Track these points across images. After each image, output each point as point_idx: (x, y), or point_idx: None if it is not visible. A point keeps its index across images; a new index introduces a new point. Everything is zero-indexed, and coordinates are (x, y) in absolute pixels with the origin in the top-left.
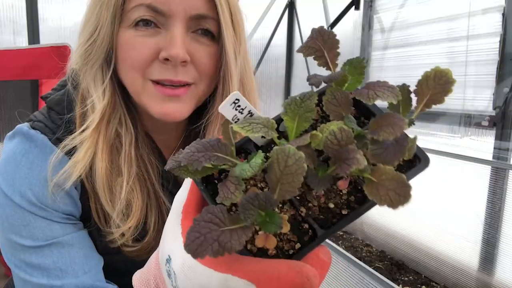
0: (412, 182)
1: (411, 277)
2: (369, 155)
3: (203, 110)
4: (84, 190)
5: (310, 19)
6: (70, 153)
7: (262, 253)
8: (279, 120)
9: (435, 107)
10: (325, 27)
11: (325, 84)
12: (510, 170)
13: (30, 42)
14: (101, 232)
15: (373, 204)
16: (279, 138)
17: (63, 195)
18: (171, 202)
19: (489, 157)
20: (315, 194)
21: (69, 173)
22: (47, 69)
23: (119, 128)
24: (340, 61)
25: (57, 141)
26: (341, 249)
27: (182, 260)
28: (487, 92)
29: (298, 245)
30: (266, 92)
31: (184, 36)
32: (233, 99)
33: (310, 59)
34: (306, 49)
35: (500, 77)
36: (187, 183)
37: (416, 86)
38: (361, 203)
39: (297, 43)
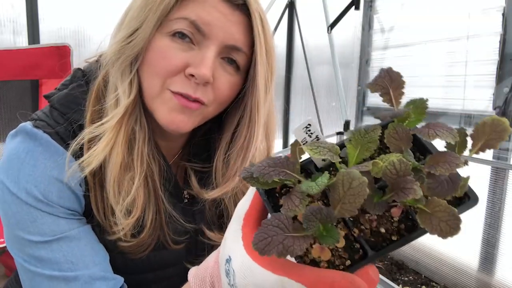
0: None
1: (411, 277)
2: (424, 188)
3: (206, 122)
4: (87, 186)
5: (310, 19)
6: (79, 152)
7: (314, 264)
8: (341, 146)
9: (435, 107)
10: (325, 27)
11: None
12: (510, 170)
13: (30, 42)
14: (101, 230)
15: (422, 233)
16: (340, 163)
17: (68, 192)
18: (170, 202)
19: (489, 157)
20: (368, 218)
21: (89, 162)
22: (47, 69)
23: (134, 126)
24: (341, 63)
25: (59, 139)
26: None
27: (242, 261)
28: (487, 92)
29: (348, 262)
30: None
31: (214, 59)
32: (306, 123)
33: (310, 59)
34: (375, 87)
35: (500, 77)
36: (250, 193)
37: (473, 131)
38: (410, 231)
39: (297, 43)
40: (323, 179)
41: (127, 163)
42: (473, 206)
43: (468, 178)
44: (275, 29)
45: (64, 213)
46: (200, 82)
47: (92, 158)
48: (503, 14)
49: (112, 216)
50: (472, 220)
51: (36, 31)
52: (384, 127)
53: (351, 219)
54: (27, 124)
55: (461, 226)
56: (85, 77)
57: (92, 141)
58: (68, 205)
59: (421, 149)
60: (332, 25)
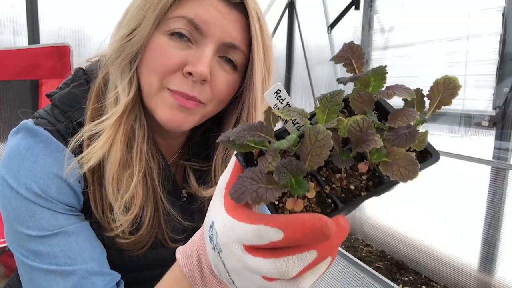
0: (420, 176)
1: (411, 277)
2: (385, 142)
3: (205, 121)
4: (86, 183)
5: (310, 19)
6: (79, 149)
7: None
8: (312, 115)
9: None
10: (325, 27)
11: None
12: (510, 170)
13: (30, 42)
14: (99, 228)
15: (388, 186)
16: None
17: (67, 188)
18: (168, 200)
19: (489, 157)
20: (338, 177)
21: (88, 159)
22: (47, 69)
23: (134, 124)
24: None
25: (59, 136)
26: (341, 249)
27: (224, 222)
28: (487, 92)
29: None
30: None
31: (212, 57)
32: (275, 89)
33: (310, 59)
34: (338, 58)
35: (500, 77)
36: (230, 165)
37: (429, 90)
38: (378, 186)
39: (297, 43)
40: (293, 135)
41: (126, 161)
42: (435, 162)
43: (426, 132)
44: (275, 29)
45: (63, 208)
46: (198, 79)
47: (91, 155)
48: (503, 14)
49: (110, 213)
50: (472, 220)
51: (36, 31)
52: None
53: (323, 179)
54: (28, 122)
55: (418, 170)
56: (86, 76)
57: (92, 138)
58: (67, 201)
59: (384, 114)
60: (332, 25)
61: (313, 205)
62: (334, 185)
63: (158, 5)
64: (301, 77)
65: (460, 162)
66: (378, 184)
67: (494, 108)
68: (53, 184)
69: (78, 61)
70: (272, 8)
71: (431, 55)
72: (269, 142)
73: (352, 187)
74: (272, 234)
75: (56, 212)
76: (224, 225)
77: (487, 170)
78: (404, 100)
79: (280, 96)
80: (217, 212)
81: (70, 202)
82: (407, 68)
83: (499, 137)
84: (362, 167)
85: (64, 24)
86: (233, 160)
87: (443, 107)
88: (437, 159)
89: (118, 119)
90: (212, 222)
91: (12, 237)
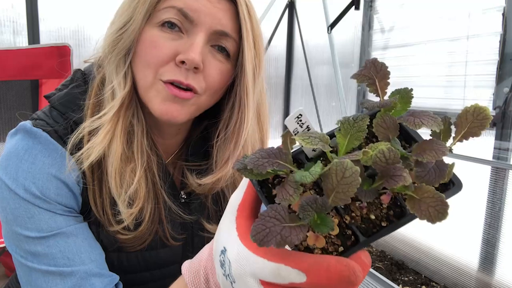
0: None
1: (411, 277)
2: (413, 176)
3: (203, 121)
4: (85, 184)
5: (310, 19)
6: (78, 146)
7: (308, 252)
8: (331, 136)
9: (435, 107)
10: (325, 27)
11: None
12: (510, 170)
13: (30, 42)
14: (98, 228)
15: (411, 219)
16: (330, 152)
17: (65, 190)
18: (169, 196)
19: (489, 157)
20: (358, 205)
21: (88, 154)
22: (47, 69)
23: (132, 119)
24: (341, 63)
25: (58, 138)
26: None
27: (237, 251)
28: (487, 92)
29: (341, 248)
30: (266, 92)
31: (203, 45)
32: (297, 114)
33: (310, 60)
34: (360, 77)
35: (500, 77)
36: (243, 185)
37: (456, 118)
38: (399, 217)
39: (297, 43)
40: (316, 169)
41: (127, 155)
42: (458, 192)
43: (453, 164)
44: (275, 29)
45: (61, 210)
46: (190, 67)
47: (91, 150)
48: (503, 14)
49: (112, 208)
50: (472, 220)
51: (36, 31)
52: (371, 116)
53: (342, 207)
54: (27, 123)
55: (448, 211)
56: (84, 77)
57: (91, 134)
58: (66, 202)
59: (406, 137)
60: (332, 25)
61: (333, 237)
62: (353, 214)
63: None
64: (301, 77)
65: (460, 162)
66: (400, 214)
67: (494, 108)
68: (51, 186)
69: (78, 61)
70: (272, 8)
71: (431, 55)
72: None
73: (373, 217)
74: (293, 276)
75: (55, 214)
76: (238, 255)
77: (487, 170)
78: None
79: (300, 121)
80: (230, 237)
81: (68, 204)
82: (407, 68)
83: (499, 137)
84: (386, 199)
85: (64, 24)
86: (245, 179)
87: (443, 109)
88: (459, 189)
89: (116, 113)
90: (224, 248)
91: (11, 238)
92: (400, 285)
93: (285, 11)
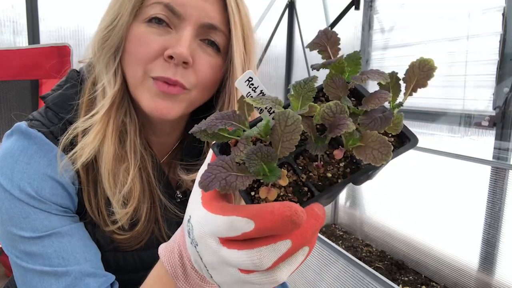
0: (410, 176)
1: (411, 277)
2: (360, 127)
3: (198, 115)
4: (80, 184)
5: (310, 19)
6: (71, 145)
7: None
8: (287, 105)
9: (435, 107)
10: (325, 27)
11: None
12: (510, 170)
13: (30, 42)
14: (94, 228)
15: (363, 172)
16: None
17: (61, 190)
18: (162, 194)
19: (489, 157)
20: (315, 165)
21: (79, 155)
22: (47, 69)
23: (124, 118)
24: None
25: (53, 138)
26: (341, 249)
27: (198, 214)
28: (487, 92)
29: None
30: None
31: (191, 39)
32: (247, 76)
33: (310, 60)
34: (313, 45)
35: (500, 77)
36: (208, 159)
37: (405, 74)
38: (355, 173)
39: (297, 43)
40: (263, 122)
41: (120, 155)
42: (413, 146)
43: (401, 115)
44: (275, 29)
45: (57, 210)
46: (179, 62)
47: (82, 151)
48: (503, 14)
49: (107, 208)
50: (472, 220)
51: (36, 31)
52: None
53: (300, 167)
54: (22, 124)
55: (391, 152)
56: (79, 77)
57: (84, 134)
58: (61, 202)
59: (361, 100)
60: (332, 25)
61: (290, 194)
62: (311, 174)
63: None
64: (301, 77)
65: (460, 162)
66: (356, 170)
67: (494, 108)
68: (47, 186)
69: (78, 60)
70: (272, 8)
71: (431, 55)
72: (243, 131)
73: (329, 175)
74: (243, 224)
75: (50, 213)
76: (199, 218)
77: (487, 170)
78: (379, 84)
79: (252, 84)
80: (194, 205)
81: (64, 203)
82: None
83: (499, 137)
84: (338, 153)
85: (64, 24)
86: (210, 153)
87: (443, 109)
88: (415, 143)
89: (106, 112)
90: (190, 216)
91: (6, 239)
92: (400, 285)
93: (285, 11)
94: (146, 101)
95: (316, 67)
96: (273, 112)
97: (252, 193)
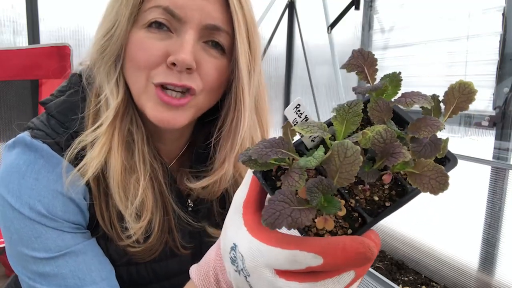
0: None
1: (411, 277)
2: (410, 152)
3: (205, 119)
4: (91, 198)
5: (310, 19)
6: (77, 159)
7: (317, 236)
8: (328, 124)
9: None
10: (325, 27)
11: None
12: (510, 170)
13: (30, 42)
14: (107, 242)
15: (412, 196)
16: (329, 139)
17: (72, 206)
18: (175, 204)
19: (489, 157)
20: (361, 188)
21: (85, 170)
22: (47, 69)
23: (130, 127)
24: (341, 62)
25: (59, 150)
26: None
27: (249, 244)
28: (487, 92)
29: (350, 231)
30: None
31: (194, 43)
32: (295, 104)
33: (310, 60)
34: (349, 66)
35: (500, 77)
36: (247, 181)
37: (444, 96)
38: (401, 196)
39: (297, 43)
40: (319, 152)
41: (129, 166)
42: (453, 167)
43: (447, 139)
44: (275, 29)
45: (69, 227)
46: (182, 69)
47: (88, 166)
48: (503, 14)
49: (120, 222)
50: (472, 220)
51: (36, 31)
52: (364, 102)
53: (346, 191)
54: (25, 135)
55: (448, 182)
56: (81, 82)
57: (89, 147)
58: (73, 219)
59: (399, 121)
60: (332, 25)
61: (340, 221)
62: (357, 197)
63: (130, 0)
64: (301, 77)
65: (460, 162)
66: (402, 193)
67: (494, 108)
68: (58, 203)
69: (78, 61)
70: (272, 8)
71: (431, 55)
72: (288, 158)
73: (376, 198)
74: (309, 259)
75: (63, 232)
76: (250, 248)
77: (487, 170)
78: (422, 107)
79: (299, 111)
80: (239, 233)
81: (76, 220)
82: (407, 68)
83: (499, 137)
84: (387, 178)
85: (64, 24)
86: (248, 176)
87: (441, 104)
88: (455, 163)
89: (111, 124)
90: (234, 244)
91: (17, 259)
92: (400, 285)
93: (285, 11)
94: (151, 111)
95: (362, 92)
96: (315, 136)
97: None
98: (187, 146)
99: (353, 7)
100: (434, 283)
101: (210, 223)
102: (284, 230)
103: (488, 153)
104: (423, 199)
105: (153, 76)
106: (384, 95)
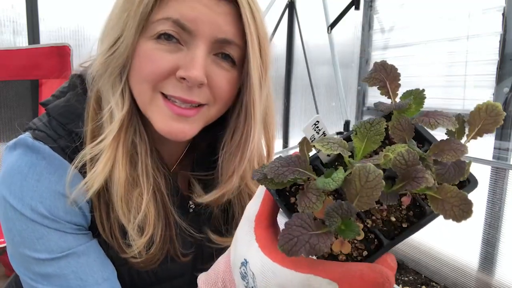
0: None
1: (411, 277)
2: (433, 175)
3: (211, 125)
4: (92, 205)
5: (310, 19)
6: (81, 172)
7: (332, 258)
8: (346, 139)
9: (435, 107)
10: (325, 27)
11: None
12: (510, 170)
13: (30, 42)
14: (108, 247)
15: (432, 218)
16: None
17: (74, 207)
18: (178, 213)
19: (489, 157)
20: (378, 208)
21: (90, 185)
22: (47, 69)
23: (134, 138)
24: (341, 63)
25: (62, 152)
26: None
27: (261, 263)
28: (487, 92)
29: (365, 253)
30: None
31: (205, 58)
32: (314, 120)
33: (310, 60)
34: (371, 80)
35: (500, 77)
36: (259, 195)
37: (470, 117)
38: (419, 217)
39: (297, 43)
40: (339, 175)
41: (132, 180)
42: (474, 188)
43: (470, 162)
44: (275, 29)
45: (71, 228)
46: (193, 85)
47: (92, 181)
48: (503, 14)
49: (122, 237)
50: (472, 220)
51: (36, 31)
52: (386, 118)
53: (363, 211)
54: (27, 136)
55: (472, 209)
56: (82, 84)
57: (93, 161)
58: (75, 220)
59: (418, 138)
60: (332, 25)
61: (356, 242)
62: (374, 217)
63: (138, 10)
64: (301, 77)
65: None
66: (420, 214)
67: None
68: (60, 204)
69: (78, 61)
70: (272, 8)
71: (431, 55)
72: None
73: (393, 219)
74: (324, 285)
75: (65, 233)
76: (263, 267)
77: (487, 170)
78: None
79: (317, 127)
80: (250, 249)
81: (78, 221)
82: (407, 68)
83: (499, 137)
84: (406, 200)
85: (64, 24)
86: (261, 190)
87: (443, 109)
88: (475, 185)
89: (115, 137)
90: (245, 260)
91: (19, 260)
92: (400, 285)
93: (285, 11)
94: (159, 124)
95: (384, 109)
96: (338, 152)
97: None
98: (188, 148)
99: (353, 7)
100: (434, 283)
101: (212, 227)
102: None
103: (488, 153)
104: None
105: (161, 87)
106: (406, 112)
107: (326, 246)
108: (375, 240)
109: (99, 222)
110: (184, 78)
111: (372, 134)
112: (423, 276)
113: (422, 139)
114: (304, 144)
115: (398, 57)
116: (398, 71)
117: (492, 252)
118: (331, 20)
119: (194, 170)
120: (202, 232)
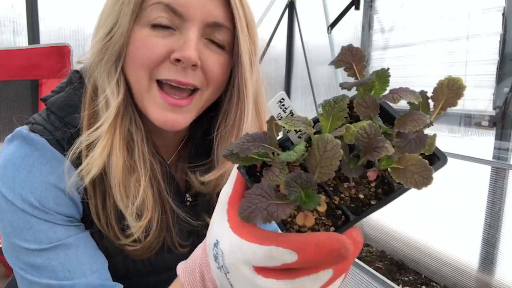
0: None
1: (411, 277)
2: (395, 148)
3: (205, 114)
4: (86, 194)
5: (310, 19)
6: (78, 158)
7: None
8: (315, 121)
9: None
10: (325, 27)
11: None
12: (510, 170)
13: (30, 42)
14: (102, 237)
15: (399, 194)
16: (314, 134)
17: (65, 198)
18: (175, 202)
19: (489, 157)
20: (346, 186)
21: (88, 170)
22: (47, 69)
23: (130, 127)
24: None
25: (57, 144)
26: None
27: (229, 240)
28: (487, 92)
29: (332, 229)
30: (266, 92)
31: (197, 40)
32: (279, 98)
33: (310, 60)
34: (337, 63)
35: (500, 77)
36: (232, 178)
37: (433, 92)
38: (387, 194)
39: (297, 43)
40: (300, 146)
41: (129, 166)
42: (443, 165)
43: (435, 135)
44: (275, 29)
45: (62, 220)
46: (187, 65)
47: (91, 166)
48: (503, 14)
49: (119, 222)
50: (472, 220)
51: (36, 31)
52: (350, 100)
53: (331, 188)
54: (23, 129)
55: (433, 177)
56: (80, 78)
57: (89, 147)
58: (66, 211)
59: (387, 118)
60: (332, 25)
61: (323, 218)
62: (342, 195)
63: None
64: (301, 77)
65: (460, 162)
66: (388, 191)
67: (494, 108)
68: (50, 195)
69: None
70: (272, 8)
71: (431, 55)
72: (273, 153)
73: (361, 196)
74: (285, 255)
75: (55, 224)
76: (230, 245)
77: (487, 170)
78: (409, 103)
79: (283, 105)
80: (221, 229)
81: (69, 213)
82: (407, 68)
83: (499, 137)
84: (372, 175)
85: (64, 24)
86: (234, 172)
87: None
88: (444, 162)
89: (112, 123)
90: (217, 241)
91: (10, 250)
92: (400, 285)
93: (285, 11)
94: (154, 113)
95: (347, 87)
96: (300, 131)
97: (287, 218)
98: (185, 139)
99: (353, 7)
100: (434, 283)
101: (210, 216)
102: (271, 227)
103: (488, 153)
104: (423, 199)
105: (156, 73)
106: (373, 91)
107: (284, 214)
108: (342, 216)
109: (94, 212)
110: (178, 60)
111: (336, 111)
112: (423, 276)
113: (391, 119)
114: (272, 122)
115: (398, 57)
116: (363, 53)
117: (492, 252)
118: (331, 20)
119: (192, 162)
120: (199, 220)
